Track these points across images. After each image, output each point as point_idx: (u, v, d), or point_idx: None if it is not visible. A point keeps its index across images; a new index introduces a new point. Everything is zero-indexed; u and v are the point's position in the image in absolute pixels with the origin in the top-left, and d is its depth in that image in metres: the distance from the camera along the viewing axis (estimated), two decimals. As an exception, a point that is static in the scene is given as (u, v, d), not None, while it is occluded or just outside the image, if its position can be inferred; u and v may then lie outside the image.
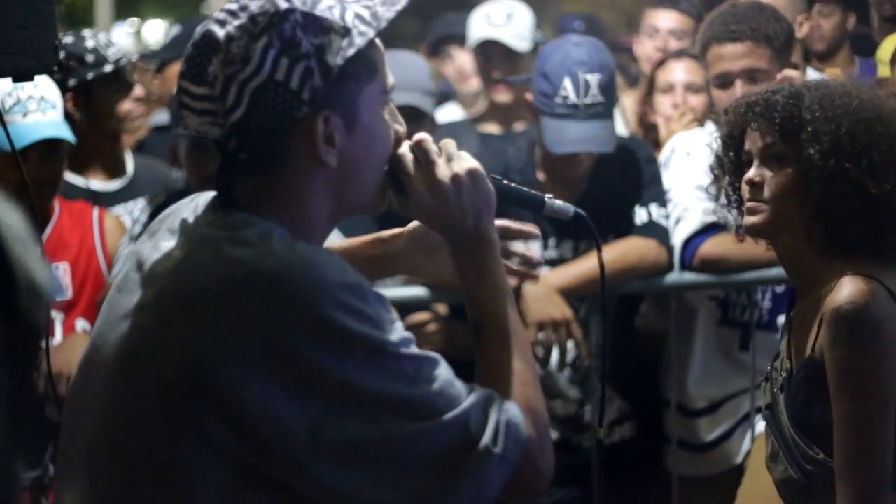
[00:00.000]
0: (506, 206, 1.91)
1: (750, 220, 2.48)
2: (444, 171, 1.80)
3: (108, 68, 4.07)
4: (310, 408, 1.61)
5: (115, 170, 4.26)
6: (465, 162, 1.82)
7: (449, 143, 1.83)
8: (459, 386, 1.70)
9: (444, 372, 1.69)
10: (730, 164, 2.56)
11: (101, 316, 1.81)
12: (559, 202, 1.96)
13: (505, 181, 1.92)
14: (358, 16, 1.73)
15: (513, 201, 1.95)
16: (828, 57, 4.64)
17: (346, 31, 1.71)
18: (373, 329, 1.64)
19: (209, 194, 1.81)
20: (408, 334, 1.69)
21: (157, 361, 1.66)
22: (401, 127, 1.83)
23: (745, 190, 2.48)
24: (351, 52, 1.71)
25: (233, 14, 1.70)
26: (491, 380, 1.76)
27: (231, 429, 1.61)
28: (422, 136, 1.82)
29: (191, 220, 1.77)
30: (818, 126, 2.40)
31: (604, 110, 3.58)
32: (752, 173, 2.47)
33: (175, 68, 5.23)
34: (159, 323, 1.68)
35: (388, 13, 1.75)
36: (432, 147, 1.81)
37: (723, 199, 2.62)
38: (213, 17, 1.72)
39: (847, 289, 2.32)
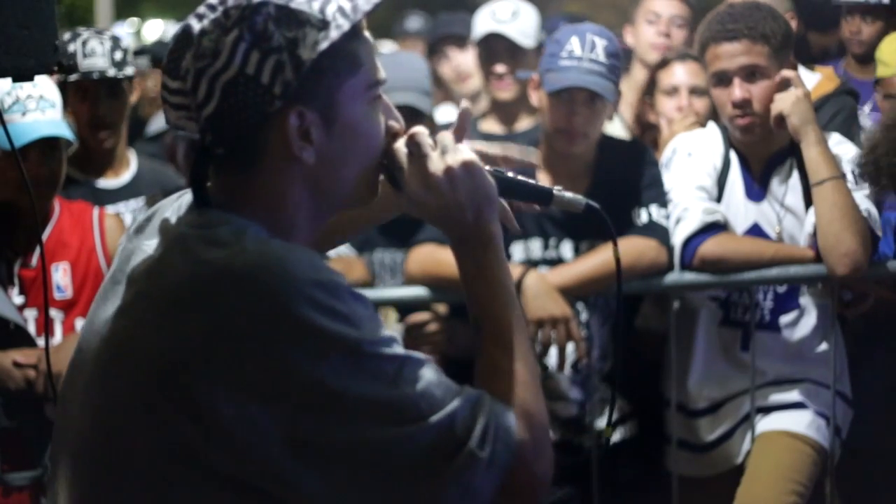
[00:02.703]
0: (511, 200, 1.86)
1: None
2: (436, 165, 1.75)
3: (73, 77, 4.08)
4: (285, 411, 1.56)
5: (118, 167, 4.27)
6: (460, 154, 1.77)
7: (445, 136, 1.79)
8: (446, 387, 1.64)
9: (428, 373, 1.64)
10: None
11: (87, 317, 1.79)
12: (569, 193, 1.90)
13: (510, 174, 1.87)
14: (340, 9, 1.69)
15: (518, 195, 1.90)
16: (866, 61, 4.65)
17: (323, 25, 1.67)
18: (347, 328, 1.59)
19: None
20: (389, 333, 1.65)
21: (132, 367, 1.63)
22: (396, 122, 1.80)
23: None
24: (324, 45, 1.67)
25: (212, 8, 1.69)
26: (486, 381, 1.71)
27: (206, 435, 1.58)
28: (416, 129, 1.78)
29: (172, 219, 1.74)
30: None
31: (607, 72, 3.60)
32: None
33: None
34: (134, 327, 1.65)
35: (366, 5, 1.71)
36: (426, 140, 1.77)
37: None
38: (194, 12, 1.71)
39: None
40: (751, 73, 3.52)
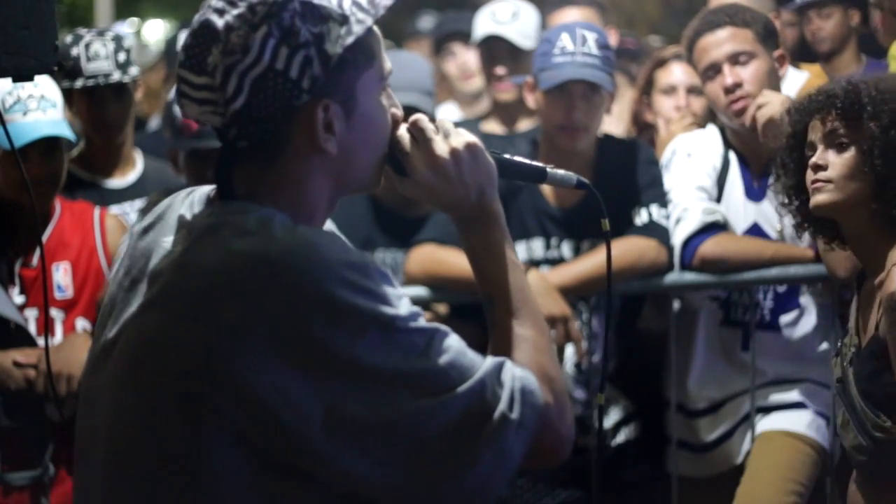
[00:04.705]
0: (508, 180, 1.92)
1: (817, 198, 2.65)
2: (442, 147, 1.82)
3: (78, 83, 4.08)
4: (324, 389, 1.61)
5: (124, 168, 4.27)
6: (463, 137, 1.83)
7: (445, 121, 1.85)
8: (472, 356, 1.70)
9: (454, 343, 1.69)
10: (793, 165, 2.72)
11: (104, 316, 1.81)
12: (561, 171, 1.97)
13: (506, 155, 1.93)
14: (355, 3, 1.75)
15: (514, 174, 1.96)
16: (832, 56, 4.65)
17: (344, 19, 1.72)
18: (381, 305, 1.65)
19: (204, 189, 1.82)
20: (415, 308, 1.70)
21: (168, 357, 1.66)
22: (398, 110, 1.85)
23: (810, 174, 2.65)
24: (349, 40, 1.72)
25: (231, 3, 1.71)
26: (504, 349, 1.77)
27: (249, 418, 1.62)
28: (417, 116, 1.84)
29: (188, 214, 1.77)
30: (877, 105, 2.61)
31: (601, 63, 3.62)
32: (816, 157, 2.64)
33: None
34: (168, 319, 1.68)
35: (385, 0, 1.77)
36: (428, 125, 1.83)
37: (784, 199, 2.81)
38: (210, 7, 1.73)
39: None
40: (739, 59, 3.55)
